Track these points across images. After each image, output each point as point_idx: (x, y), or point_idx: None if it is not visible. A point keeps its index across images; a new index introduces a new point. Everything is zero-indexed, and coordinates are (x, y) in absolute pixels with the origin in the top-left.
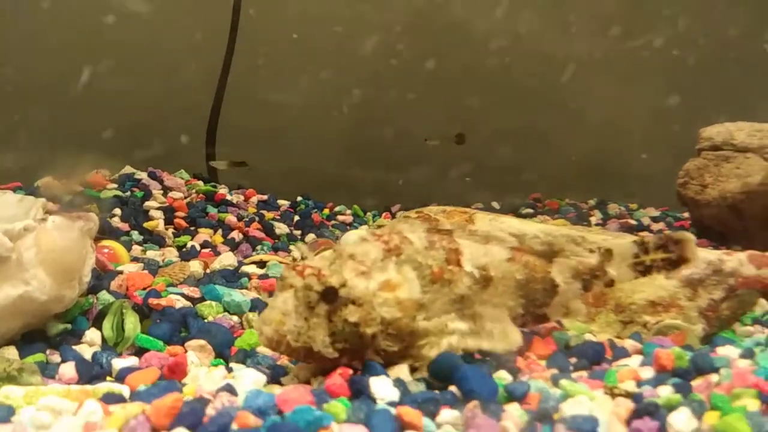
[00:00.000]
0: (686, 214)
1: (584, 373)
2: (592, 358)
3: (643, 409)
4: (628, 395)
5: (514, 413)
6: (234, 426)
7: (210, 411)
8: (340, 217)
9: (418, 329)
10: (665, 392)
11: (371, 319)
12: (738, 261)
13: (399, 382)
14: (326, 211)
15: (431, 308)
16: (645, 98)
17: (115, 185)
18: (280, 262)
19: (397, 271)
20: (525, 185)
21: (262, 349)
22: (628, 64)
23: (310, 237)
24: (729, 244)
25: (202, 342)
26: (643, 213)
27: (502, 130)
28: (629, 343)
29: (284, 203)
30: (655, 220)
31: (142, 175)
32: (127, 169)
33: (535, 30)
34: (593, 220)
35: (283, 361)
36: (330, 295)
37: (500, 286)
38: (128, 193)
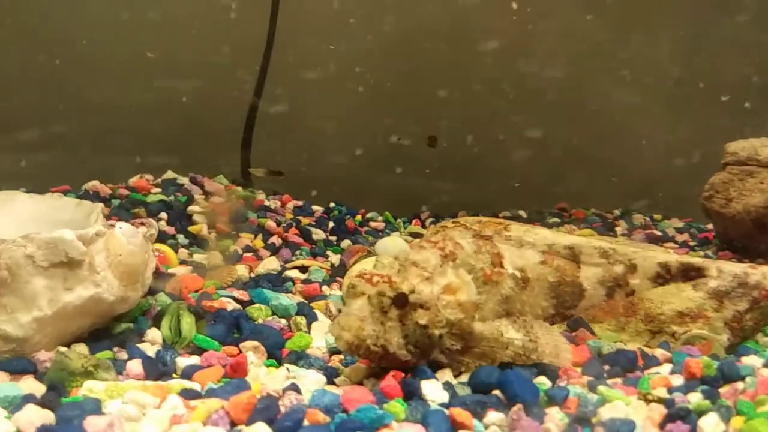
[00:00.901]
0: (710, 226)
1: (618, 380)
2: (625, 366)
3: (676, 414)
4: (660, 401)
5: (555, 416)
6: (306, 422)
7: (281, 408)
8: (372, 224)
9: (475, 331)
10: (695, 398)
11: (438, 321)
12: (762, 274)
13: (448, 386)
14: (359, 217)
15: (484, 308)
16: (669, 112)
17: (159, 189)
18: (321, 267)
19: (455, 275)
20: (551, 194)
21: (312, 351)
22: (655, 76)
23: (346, 243)
24: (753, 257)
25: (256, 343)
26: (668, 224)
27: (529, 139)
28: (659, 352)
29: (318, 209)
30: (679, 231)
31: (184, 180)
32: (169, 174)
33: (563, 39)
34: (618, 230)
35: (334, 362)
36: (401, 301)
37: (536, 287)
38: (172, 198)
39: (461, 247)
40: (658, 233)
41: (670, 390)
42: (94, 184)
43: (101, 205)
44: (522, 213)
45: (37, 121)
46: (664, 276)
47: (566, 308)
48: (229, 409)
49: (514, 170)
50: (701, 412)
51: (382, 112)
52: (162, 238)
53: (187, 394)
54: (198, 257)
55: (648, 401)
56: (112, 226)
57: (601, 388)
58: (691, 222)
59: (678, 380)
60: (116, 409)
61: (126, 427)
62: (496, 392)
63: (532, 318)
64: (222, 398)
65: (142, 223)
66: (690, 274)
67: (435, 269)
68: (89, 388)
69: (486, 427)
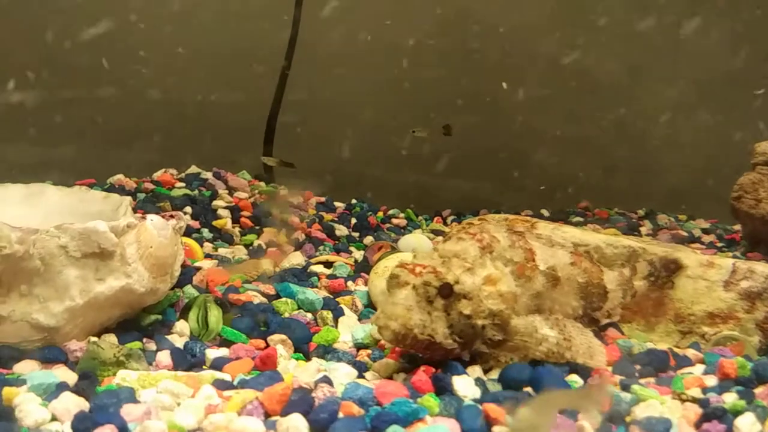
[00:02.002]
0: (737, 227)
1: (651, 380)
2: (657, 366)
3: (711, 413)
4: (695, 401)
5: (588, 414)
6: (340, 414)
7: (315, 401)
8: (394, 221)
9: (510, 324)
10: (730, 399)
11: (481, 311)
12: None
13: (479, 381)
14: (380, 214)
15: (519, 302)
16: (695, 110)
17: (183, 184)
18: (346, 263)
19: (494, 267)
20: (573, 194)
21: (339, 346)
22: (679, 75)
23: (369, 239)
24: None
25: (284, 337)
26: (694, 225)
27: (553, 138)
28: (691, 353)
29: (340, 205)
30: (705, 231)
31: (208, 175)
32: (193, 169)
33: (585, 38)
34: (643, 230)
35: (362, 357)
36: (446, 291)
37: (566, 287)
38: (196, 192)
39: (497, 241)
40: (684, 233)
41: (704, 390)
42: (119, 177)
43: (129, 198)
44: (545, 212)
45: (61, 114)
46: (653, 273)
47: (593, 309)
48: (264, 399)
49: (536, 169)
50: (737, 412)
51: (405, 109)
52: (187, 232)
53: (220, 385)
54: (222, 251)
55: (683, 401)
56: (144, 218)
57: (635, 387)
58: (717, 223)
59: (712, 380)
60: (151, 398)
61: (162, 416)
62: (527, 389)
63: (563, 317)
64: (255, 389)
65: (172, 216)
66: (670, 267)
67: (475, 260)
68: (123, 377)
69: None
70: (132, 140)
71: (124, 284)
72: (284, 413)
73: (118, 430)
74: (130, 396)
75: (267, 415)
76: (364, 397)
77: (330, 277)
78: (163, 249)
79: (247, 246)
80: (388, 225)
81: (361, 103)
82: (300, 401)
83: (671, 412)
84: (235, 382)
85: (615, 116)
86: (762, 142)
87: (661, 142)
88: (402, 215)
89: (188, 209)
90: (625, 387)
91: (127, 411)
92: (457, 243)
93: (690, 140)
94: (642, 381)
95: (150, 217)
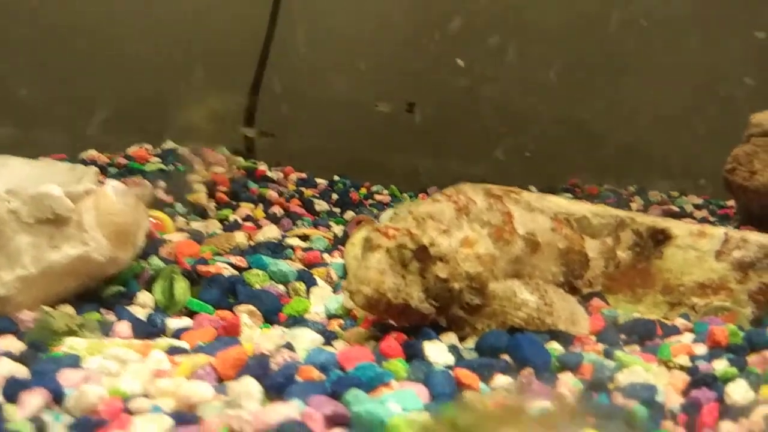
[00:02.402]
0: (730, 203)
1: (636, 348)
2: (643, 335)
3: (701, 380)
4: (683, 368)
5: (568, 381)
6: (298, 378)
7: (273, 366)
8: (377, 197)
9: (489, 288)
10: (721, 366)
11: (458, 274)
12: None
13: (453, 348)
14: (363, 190)
15: (497, 266)
16: (686, 85)
17: (158, 159)
18: (324, 236)
19: (471, 229)
20: (562, 171)
21: (311, 317)
22: (670, 49)
23: (350, 214)
24: None
25: (251, 307)
26: (686, 200)
27: (540, 115)
28: (680, 322)
29: (322, 182)
30: (698, 207)
31: (184, 150)
32: (169, 144)
33: (575, 13)
34: (634, 206)
35: (333, 326)
36: (422, 253)
37: (546, 252)
38: (171, 167)
39: (474, 203)
40: (676, 209)
41: (693, 358)
42: (91, 153)
43: (95, 168)
44: (533, 188)
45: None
46: (639, 243)
47: (574, 277)
48: (217, 364)
49: (525, 147)
50: (728, 379)
51: (390, 89)
52: (159, 206)
53: (174, 352)
54: (196, 225)
55: (669, 368)
56: (103, 184)
57: (618, 353)
58: (710, 199)
59: (701, 349)
60: (96, 365)
61: (104, 381)
62: (505, 357)
63: (543, 282)
64: (211, 354)
65: (135, 183)
66: (657, 237)
67: (451, 222)
68: (70, 345)
69: (494, 390)
70: (109, 117)
71: (81, 252)
72: (237, 377)
73: (51, 395)
74: (74, 363)
75: (220, 380)
76: (326, 362)
77: (306, 249)
78: (124, 216)
79: (222, 221)
80: (370, 201)
81: (346, 81)
82: (255, 366)
83: (657, 379)
84: (191, 350)
85: (606, 92)
86: (757, 113)
87: (653, 118)
88: (386, 192)
89: (162, 183)
90: (608, 354)
91: (66, 376)
92: (432, 205)
93: (682, 115)
94: (627, 349)
95: (110, 182)
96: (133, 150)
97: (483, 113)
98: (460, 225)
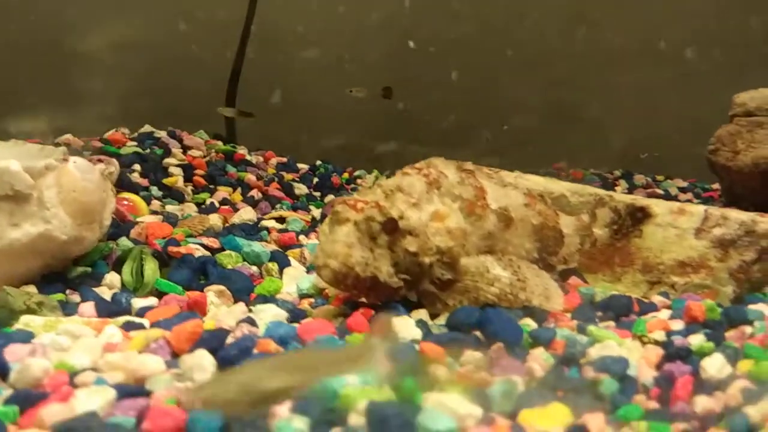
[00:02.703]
0: (715, 186)
1: (612, 324)
2: (619, 311)
3: (675, 354)
4: (657, 343)
5: (539, 356)
6: (255, 351)
7: (230, 340)
8: (360, 182)
9: (461, 263)
10: (697, 341)
11: (428, 249)
12: None
13: (422, 324)
14: (345, 175)
15: (469, 241)
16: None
17: (135, 143)
18: (301, 219)
19: (442, 203)
20: (547, 155)
21: (282, 296)
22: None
23: (329, 198)
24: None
25: (222, 288)
26: (671, 184)
27: (525, 100)
28: (658, 299)
29: (303, 167)
30: (683, 190)
31: (162, 134)
32: (147, 128)
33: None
34: (618, 190)
35: (303, 305)
36: (390, 226)
37: (519, 228)
38: (148, 151)
39: (445, 176)
40: (660, 192)
41: (669, 333)
42: (67, 137)
43: (63, 148)
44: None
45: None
46: (617, 221)
47: (549, 254)
48: (171, 338)
49: (510, 133)
50: (704, 354)
51: (374, 75)
52: (135, 189)
53: (130, 327)
54: (171, 208)
55: (644, 343)
56: (65, 160)
57: (591, 328)
58: (695, 182)
59: (678, 325)
60: (48, 340)
61: (52, 356)
62: (477, 333)
63: (517, 258)
64: (167, 329)
65: (100, 160)
66: (636, 215)
67: (421, 196)
68: (26, 323)
69: (462, 365)
70: (90, 103)
71: (42, 230)
72: (192, 351)
73: None
74: (25, 338)
75: (174, 354)
76: (285, 335)
77: (281, 231)
78: (88, 194)
79: (198, 204)
80: (352, 186)
81: (332, 68)
82: (210, 339)
83: (630, 353)
84: (149, 326)
85: (590, 77)
86: (741, 93)
87: (636, 102)
88: (368, 176)
89: (137, 167)
90: (581, 330)
91: (12, 351)
92: (402, 178)
93: (665, 99)
94: (601, 325)
95: (73, 158)
96: (109, 134)
97: (467, 99)
98: (431, 199)
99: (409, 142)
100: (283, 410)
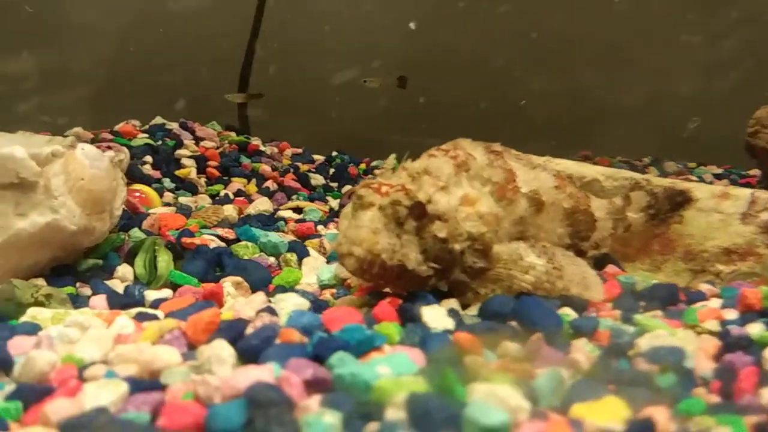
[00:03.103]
0: (752, 171)
1: (658, 314)
2: (665, 300)
3: (735, 344)
4: (712, 333)
5: (583, 347)
6: (277, 341)
7: (250, 330)
8: (377, 172)
9: (493, 251)
10: (756, 330)
11: (458, 234)
12: None
13: (453, 313)
14: (362, 165)
15: (500, 227)
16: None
17: (146, 135)
18: (319, 209)
19: (471, 187)
20: (574, 143)
21: (302, 287)
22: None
23: (347, 188)
24: None
25: (239, 279)
26: (705, 170)
27: (549, 88)
28: (705, 287)
29: (319, 157)
30: (718, 177)
31: (173, 125)
32: (158, 120)
33: None
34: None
35: (325, 296)
36: (418, 210)
37: (551, 212)
38: (159, 142)
39: (473, 158)
40: (695, 179)
41: (723, 323)
42: (77, 130)
43: (72, 138)
44: None
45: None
46: (653, 205)
47: (580, 239)
48: (187, 328)
49: (535, 119)
50: (766, 344)
51: (393, 65)
52: (147, 181)
53: (143, 317)
54: (184, 200)
55: (698, 333)
56: (73, 147)
57: (638, 317)
58: (731, 168)
59: (731, 314)
60: (56, 333)
61: (59, 348)
62: (512, 323)
63: (551, 245)
64: (182, 319)
65: (109, 147)
66: (676, 200)
67: (449, 179)
68: (33, 315)
69: (499, 358)
70: (101, 95)
71: (50, 220)
72: (209, 342)
73: None
74: (31, 330)
75: (191, 345)
76: (309, 325)
77: (299, 221)
78: (97, 182)
79: (212, 196)
80: (370, 176)
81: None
82: (229, 328)
83: (683, 344)
84: (163, 317)
85: (621, 64)
86: None
87: (668, 89)
88: (388, 160)
89: (148, 158)
90: (626, 320)
91: (16, 344)
92: (428, 160)
93: (698, 86)
94: (647, 315)
95: (81, 145)
96: (120, 126)
97: (490, 88)
98: (459, 182)
99: (425, 133)
100: (311, 403)
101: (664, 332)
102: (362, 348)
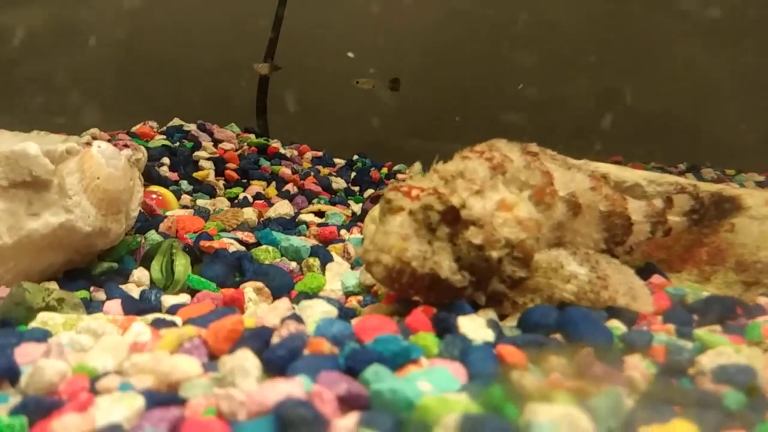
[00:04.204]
0: None
1: (716, 328)
2: (721, 314)
3: None
4: None
5: (638, 364)
6: (306, 352)
7: (275, 339)
8: (399, 176)
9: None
10: None
11: (496, 241)
12: None
13: (492, 323)
14: (384, 170)
15: (540, 233)
16: (738, 58)
17: (164, 136)
18: (341, 213)
19: (508, 190)
20: (605, 148)
21: (326, 294)
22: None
23: (369, 192)
24: None
25: (260, 284)
26: (746, 177)
27: (580, 92)
28: (764, 300)
29: (340, 161)
30: (760, 185)
31: (191, 127)
32: (176, 122)
33: None
34: None
35: (351, 303)
36: (451, 215)
37: (587, 216)
38: (177, 144)
39: (510, 160)
40: (735, 186)
41: None
42: (94, 131)
43: (87, 137)
44: None
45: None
46: (698, 210)
47: (615, 244)
48: (208, 336)
49: (562, 127)
50: None
51: (413, 70)
52: (164, 183)
53: (160, 324)
54: (202, 203)
55: (765, 350)
56: (89, 144)
57: (699, 332)
58: None
59: None
60: (67, 339)
61: (71, 357)
62: (556, 336)
63: (594, 252)
64: (202, 327)
65: (126, 146)
66: (723, 206)
67: (485, 182)
68: (44, 321)
69: (546, 373)
70: (121, 98)
71: (63, 221)
72: (232, 351)
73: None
74: (40, 337)
75: (212, 355)
76: (339, 334)
77: (321, 225)
78: (114, 182)
79: (231, 199)
80: (392, 180)
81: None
82: (253, 337)
83: (751, 362)
84: (181, 324)
85: (655, 67)
86: None
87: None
88: (409, 171)
89: (166, 160)
90: (682, 334)
91: (24, 351)
92: (462, 162)
93: (734, 91)
94: (704, 330)
95: (97, 143)
96: (137, 128)
97: (514, 93)
98: (495, 186)
99: (449, 140)
100: (348, 422)
101: (729, 349)
102: (398, 360)
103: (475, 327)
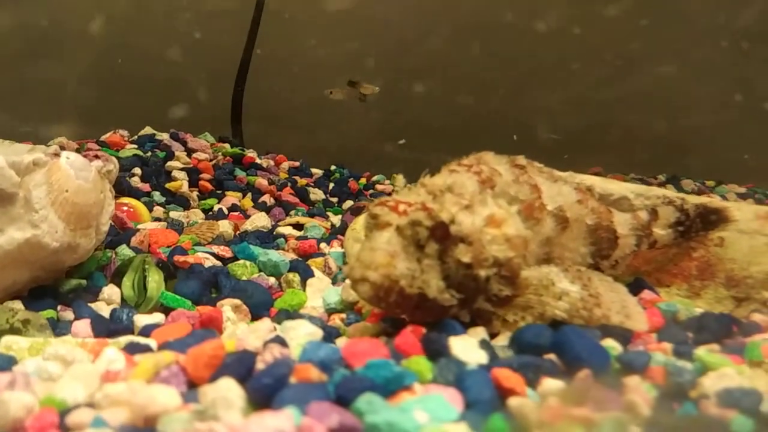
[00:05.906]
0: None
1: (714, 347)
2: (717, 332)
3: None
4: None
5: (638, 387)
6: (293, 379)
7: (259, 365)
8: (378, 186)
9: (521, 276)
10: None
11: (484, 260)
12: None
13: (485, 344)
14: (363, 180)
15: (528, 250)
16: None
17: (135, 146)
18: (320, 225)
19: (497, 205)
20: (585, 160)
21: (307, 311)
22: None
23: (348, 203)
24: None
25: (237, 302)
26: (727, 189)
27: (558, 103)
28: (759, 318)
29: (318, 171)
30: (741, 196)
31: (164, 136)
32: (147, 130)
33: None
34: None
35: (334, 322)
36: (440, 232)
37: (575, 230)
38: (149, 154)
39: (499, 174)
40: (717, 198)
41: None
42: (61, 140)
43: (55, 147)
44: None
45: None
46: (683, 222)
47: (601, 258)
48: (187, 363)
49: (544, 138)
50: None
51: (396, 78)
52: (135, 195)
53: (134, 349)
54: (176, 215)
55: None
56: (57, 155)
57: (700, 353)
58: (754, 187)
59: None
60: (33, 367)
61: (38, 388)
62: (550, 356)
63: (586, 269)
64: (180, 351)
65: (97, 156)
66: (709, 218)
67: (473, 197)
68: (7, 345)
69: (543, 397)
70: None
71: (29, 236)
72: (213, 379)
73: None
74: (4, 365)
75: (191, 383)
76: (327, 359)
77: (300, 239)
78: (83, 195)
79: (205, 211)
80: (371, 191)
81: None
82: (235, 364)
83: (755, 384)
84: (157, 348)
85: (634, 79)
86: None
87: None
88: (388, 182)
89: (137, 171)
90: (680, 354)
91: None
92: (450, 176)
93: (715, 103)
94: (702, 349)
95: (66, 153)
96: (107, 136)
97: (493, 102)
98: (484, 200)
99: (433, 149)
100: None
101: (731, 370)
102: (390, 387)
103: (467, 348)
